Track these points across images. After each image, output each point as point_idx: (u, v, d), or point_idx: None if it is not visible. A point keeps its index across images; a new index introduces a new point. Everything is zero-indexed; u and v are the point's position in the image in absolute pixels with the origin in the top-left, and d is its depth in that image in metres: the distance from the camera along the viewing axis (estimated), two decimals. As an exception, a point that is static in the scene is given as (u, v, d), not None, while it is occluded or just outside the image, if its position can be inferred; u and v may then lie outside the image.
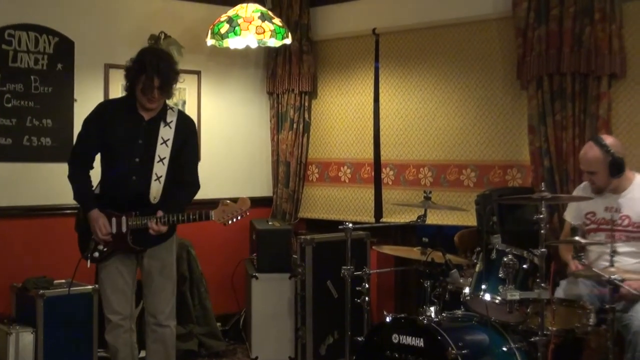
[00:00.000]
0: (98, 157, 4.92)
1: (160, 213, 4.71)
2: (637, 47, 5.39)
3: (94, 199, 4.81)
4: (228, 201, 4.79)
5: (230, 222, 4.79)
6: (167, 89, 4.70)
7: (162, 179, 4.78)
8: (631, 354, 4.47)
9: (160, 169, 4.78)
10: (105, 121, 4.80)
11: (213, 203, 6.79)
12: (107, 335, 4.91)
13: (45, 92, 6.10)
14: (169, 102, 4.91)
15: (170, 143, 4.80)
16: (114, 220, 4.76)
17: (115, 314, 4.86)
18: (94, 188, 4.88)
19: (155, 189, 4.78)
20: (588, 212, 5.02)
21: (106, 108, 5.01)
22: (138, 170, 4.75)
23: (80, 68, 6.27)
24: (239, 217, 4.79)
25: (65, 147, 6.06)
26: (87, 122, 4.90)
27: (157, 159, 4.77)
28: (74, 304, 5.51)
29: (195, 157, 5.06)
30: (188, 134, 4.93)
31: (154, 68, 4.62)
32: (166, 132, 4.80)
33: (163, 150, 4.78)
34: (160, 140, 4.78)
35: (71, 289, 5.45)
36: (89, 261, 4.83)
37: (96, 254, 4.81)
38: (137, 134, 4.77)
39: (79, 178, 4.85)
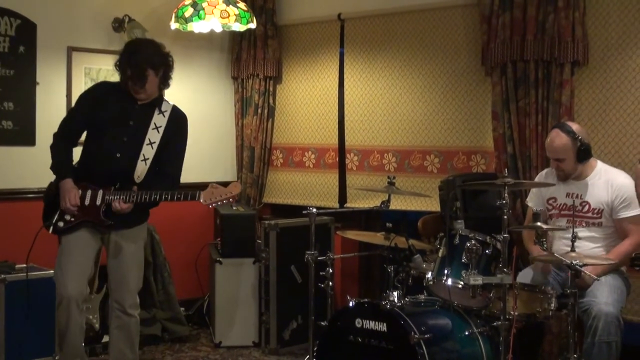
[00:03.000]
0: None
1: (135, 188, 4.71)
2: (599, 34, 5.44)
3: (71, 170, 4.80)
4: (217, 184, 4.76)
5: (215, 204, 4.76)
6: (138, 79, 4.70)
7: (149, 162, 4.78)
8: (591, 338, 4.52)
9: (148, 152, 4.78)
10: (98, 99, 4.83)
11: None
12: (57, 312, 4.81)
13: (7, 75, 6.01)
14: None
15: (162, 130, 4.82)
16: (89, 192, 4.74)
17: (67, 292, 4.74)
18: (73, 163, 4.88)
19: (141, 168, 4.77)
20: (550, 198, 5.06)
21: (102, 87, 5.02)
22: (124, 149, 4.75)
23: (43, 51, 6.19)
24: (224, 201, 4.76)
25: (27, 131, 6.02)
26: (81, 98, 4.95)
27: (147, 141, 4.78)
28: (35, 289, 5.44)
29: (182, 153, 4.99)
30: (180, 128, 4.95)
31: (126, 59, 4.73)
32: (159, 119, 4.84)
33: (154, 135, 4.80)
34: (152, 126, 4.81)
35: (32, 273, 5.40)
36: (51, 228, 4.77)
37: (61, 224, 4.76)
38: (128, 115, 4.80)
39: (60, 148, 4.84)
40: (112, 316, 4.95)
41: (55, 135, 4.89)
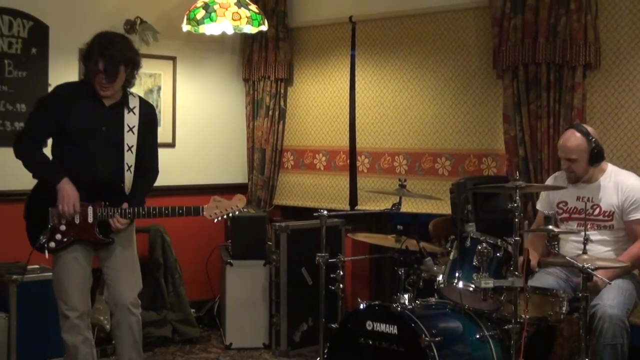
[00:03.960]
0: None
1: (125, 205, 4.59)
2: (611, 37, 5.43)
3: (59, 169, 4.56)
4: (219, 197, 4.69)
5: (220, 218, 4.68)
6: (111, 73, 4.47)
7: (132, 169, 4.66)
8: (597, 341, 4.52)
9: (130, 159, 4.64)
10: (64, 105, 4.56)
11: (187, 189, 6.87)
12: (65, 334, 4.68)
13: (20, 77, 6.04)
14: (139, 91, 4.80)
15: (136, 130, 4.66)
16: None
17: (73, 311, 4.64)
18: None
19: (128, 179, 4.65)
20: (560, 202, 5.05)
21: (64, 91, 4.70)
22: (104, 159, 4.58)
23: (55, 52, 6.21)
24: (230, 214, 4.70)
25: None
26: (43, 103, 4.68)
27: (126, 147, 4.62)
28: (47, 289, 5.44)
29: (156, 142, 4.90)
30: (151, 120, 4.82)
31: (98, 50, 4.47)
32: (131, 119, 4.66)
33: (130, 138, 4.64)
34: (126, 128, 4.63)
35: (43, 274, 5.42)
36: (46, 252, 4.60)
37: (52, 244, 4.59)
38: (99, 120, 4.59)
39: (34, 153, 4.59)
40: (112, 322, 4.86)
41: (18, 143, 4.62)
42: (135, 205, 4.63)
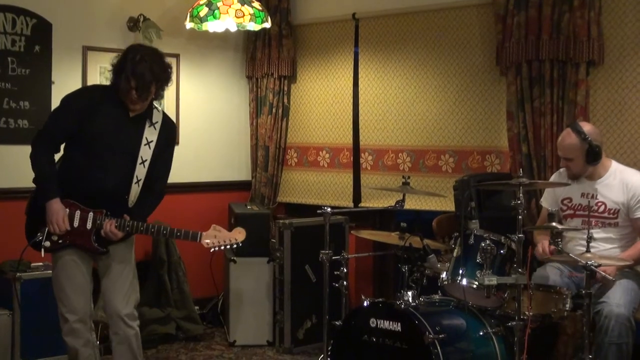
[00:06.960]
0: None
1: (126, 217, 4.52)
2: (615, 34, 5.42)
3: (57, 187, 4.50)
4: (220, 227, 4.68)
5: (217, 248, 4.66)
6: (143, 92, 4.44)
7: (141, 182, 4.59)
8: (601, 340, 4.52)
9: (141, 172, 4.56)
10: (88, 108, 4.51)
11: (191, 187, 6.88)
12: (65, 336, 4.62)
13: (23, 74, 6.04)
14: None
15: (153, 145, 4.59)
16: (78, 213, 4.50)
17: (73, 313, 4.57)
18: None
19: (134, 192, 4.58)
20: (564, 198, 5.05)
21: (92, 94, 4.68)
22: (115, 168, 4.51)
23: (58, 50, 6.21)
24: (228, 247, 4.68)
25: (42, 130, 6.03)
26: (69, 101, 4.61)
27: (139, 160, 4.55)
28: (51, 287, 5.46)
29: (170, 162, 4.80)
30: (171, 139, 4.77)
31: (131, 69, 4.39)
32: (151, 133, 4.59)
33: (146, 152, 4.57)
34: (144, 141, 4.57)
35: (47, 271, 5.40)
36: (42, 250, 4.54)
37: (47, 243, 4.52)
38: (119, 129, 4.52)
39: (44, 161, 4.53)
40: (110, 334, 4.72)
41: (37, 141, 4.57)
42: (136, 220, 4.56)
